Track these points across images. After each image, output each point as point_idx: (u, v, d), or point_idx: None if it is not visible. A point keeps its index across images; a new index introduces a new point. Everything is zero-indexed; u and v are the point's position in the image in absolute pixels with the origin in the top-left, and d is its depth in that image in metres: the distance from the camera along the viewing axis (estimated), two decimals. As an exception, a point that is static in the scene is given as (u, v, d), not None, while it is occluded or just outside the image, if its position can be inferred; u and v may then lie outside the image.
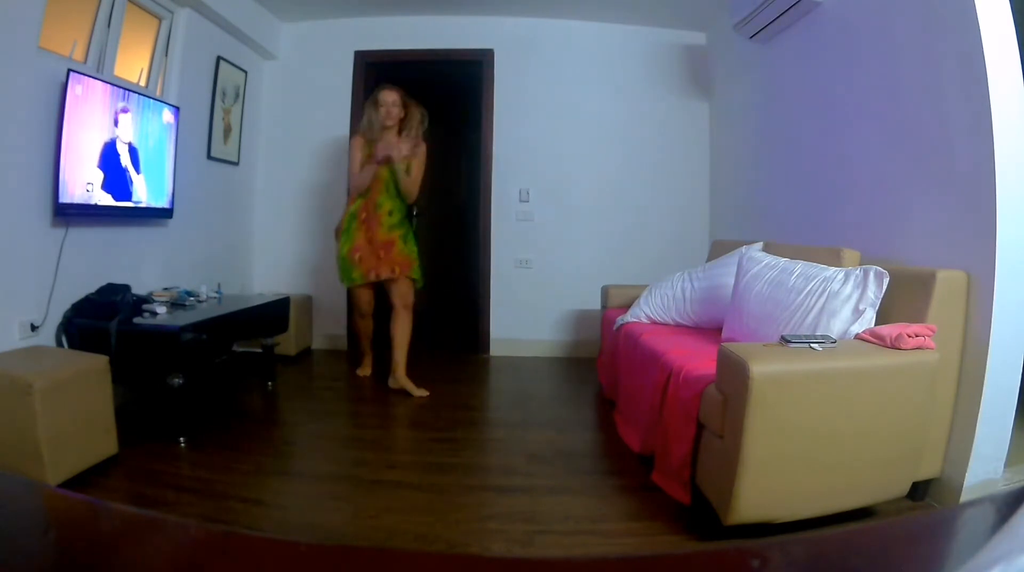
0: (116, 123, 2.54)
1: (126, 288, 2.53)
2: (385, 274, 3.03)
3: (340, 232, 3.09)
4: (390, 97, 3.00)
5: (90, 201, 2.42)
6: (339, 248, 3.07)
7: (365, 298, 3.16)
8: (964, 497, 1.80)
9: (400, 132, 3.05)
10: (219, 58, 3.45)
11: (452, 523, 1.76)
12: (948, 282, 1.78)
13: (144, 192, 2.76)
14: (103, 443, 1.99)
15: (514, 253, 4.06)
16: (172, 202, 2.96)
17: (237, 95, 3.70)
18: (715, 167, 4.00)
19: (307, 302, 3.95)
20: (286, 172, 4.09)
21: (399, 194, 3.05)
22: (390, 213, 3.07)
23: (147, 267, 2.91)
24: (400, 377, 3.06)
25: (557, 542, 1.66)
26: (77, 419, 1.87)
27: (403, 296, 3.09)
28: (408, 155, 3.01)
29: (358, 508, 1.86)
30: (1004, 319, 1.73)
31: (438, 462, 2.21)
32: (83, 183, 2.37)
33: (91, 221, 2.51)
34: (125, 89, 2.59)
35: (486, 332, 4.09)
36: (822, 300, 1.87)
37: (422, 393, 2.99)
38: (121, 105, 2.57)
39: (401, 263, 3.05)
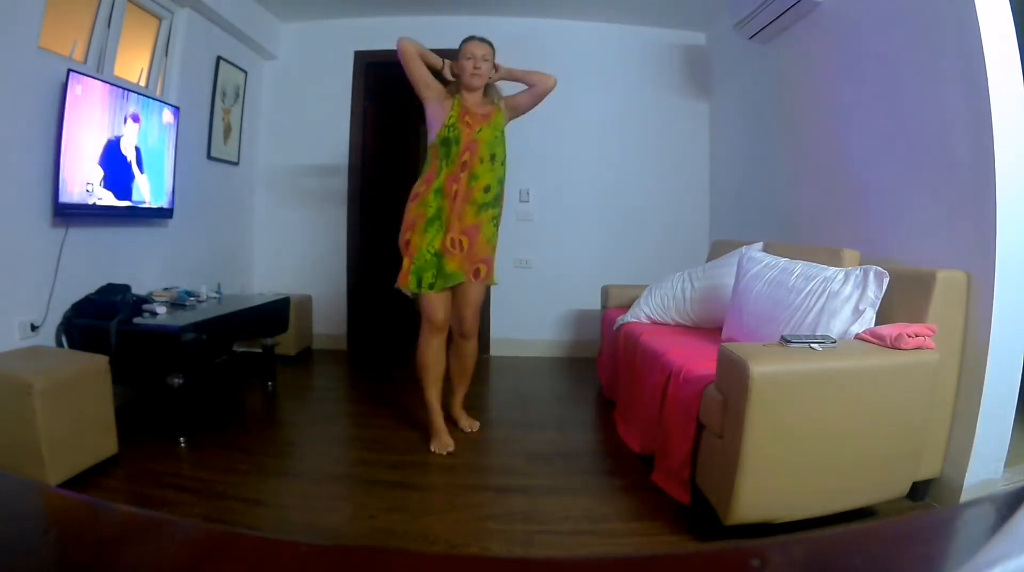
0: (124, 122, 2.55)
1: (126, 288, 2.53)
2: (467, 274, 2.35)
3: (417, 220, 2.33)
4: (480, 50, 2.36)
5: (90, 201, 2.42)
6: (419, 240, 2.30)
7: (442, 302, 2.37)
8: (964, 497, 1.80)
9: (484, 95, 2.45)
10: (219, 58, 3.45)
11: (452, 523, 1.76)
12: (948, 282, 1.78)
13: (147, 192, 2.76)
14: (103, 443, 2.00)
15: (514, 253, 4.05)
16: (172, 202, 2.96)
17: (237, 95, 3.70)
18: (715, 167, 4.00)
19: (307, 302, 3.95)
20: (286, 172, 4.09)
21: (502, 162, 2.42)
22: (487, 189, 2.36)
23: (147, 267, 2.91)
24: (455, 407, 2.59)
25: (557, 542, 1.66)
26: (77, 419, 1.87)
27: (461, 321, 2.44)
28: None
29: (358, 508, 1.86)
30: (1004, 319, 1.73)
31: (438, 462, 2.21)
32: (83, 183, 2.37)
33: (91, 221, 2.51)
34: (125, 89, 2.59)
35: (486, 332, 4.08)
36: (822, 300, 1.87)
37: (471, 426, 2.54)
38: (132, 111, 2.59)
39: (487, 259, 2.39)
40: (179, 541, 0.36)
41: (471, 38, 2.40)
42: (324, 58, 4.04)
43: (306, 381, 3.42)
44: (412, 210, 2.35)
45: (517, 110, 2.52)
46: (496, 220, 2.42)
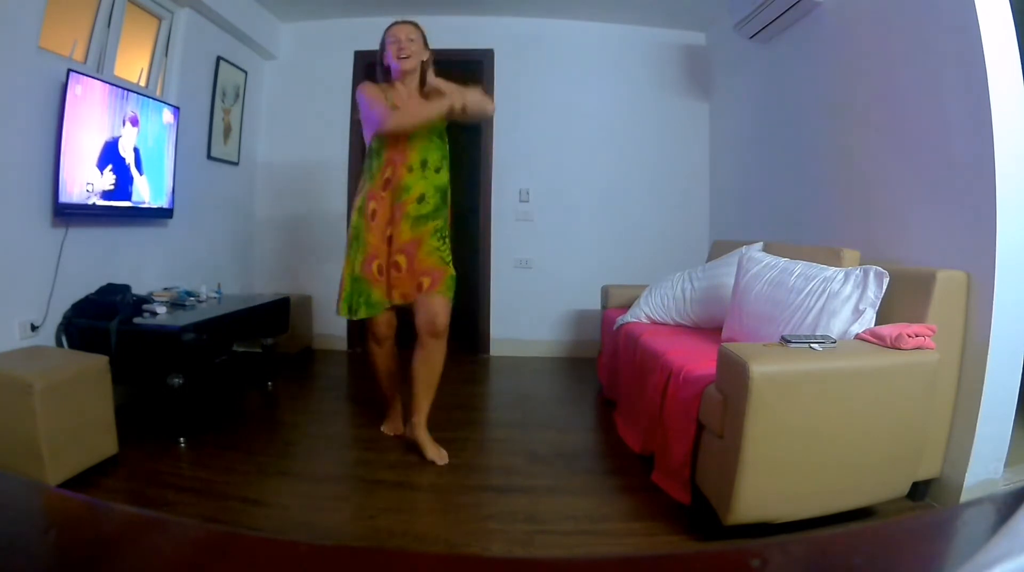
0: (123, 124, 2.56)
1: (126, 288, 2.53)
2: (409, 294, 2.20)
3: (349, 238, 2.26)
4: (403, 31, 2.15)
5: (90, 201, 2.42)
6: (345, 265, 2.24)
7: (383, 318, 2.27)
8: (964, 497, 1.80)
9: (422, 84, 2.21)
10: (219, 58, 3.45)
11: (452, 523, 1.76)
12: (948, 282, 1.78)
13: (146, 192, 2.76)
14: (103, 443, 1.99)
15: (514, 253, 4.06)
16: (172, 202, 2.96)
17: (237, 95, 3.70)
18: (715, 167, 4.00)
19: (307, 302, 3.95)
20: (286, 172, 4.09)
21: (438, 169, 2.19)
22: (421, 199, 2.16)
23: (147, 267, 2.91)
24: (418, 428, 2.23)
25: (557, 542, 1.66)
26: (77, 419, 1.87)
27: (432, 317, 2.16)
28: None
29: (358, 508, 1.87)
30: (1004, 319, 1.73)
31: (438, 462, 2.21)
32: (83, 183, 2.37)
33: (91, 221, 2.51)
34: (125, 89, 2.59)
35: (486, 332, 4.09)
36: (822, 300, 1.87)
37: (440, 457, 2.18)
38: (131, 114, 2.59)
39: (430, 271, 2.17)
40: (179, 541, 0.36)
41: (392, 24, 2.19)
42: (324, 58, 4.04)
43: (306, 381, 3.42)
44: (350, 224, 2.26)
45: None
46: (440, 233, 2.20)
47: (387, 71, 2.20)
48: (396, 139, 2.14)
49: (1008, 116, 1.73)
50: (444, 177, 2.22)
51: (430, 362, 2.21)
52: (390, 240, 2.18)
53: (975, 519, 0.41)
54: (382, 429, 2.47)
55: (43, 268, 2.28)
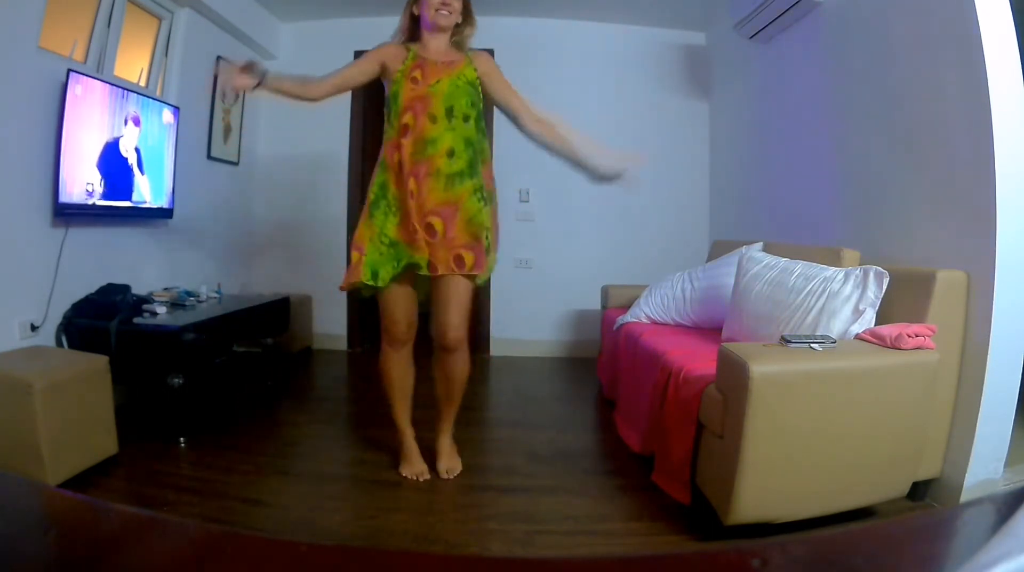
0: (125, 124, 2.56)
1: (126, 288, 2.53)
2: (442, 266, 1.88)
3: (367, 203, 1.95)
4: None
5: (90, 201, 2.42)
6: (367, 229, 1.91)
7: (403, 303, 1.97)
8: (964, 497, 1.80)
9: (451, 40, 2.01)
10: (219, 58, 3.45)
11: (452, 523, 1.76)
12: (948, 282, 1.78)
13: (147, 192, 2.76)
14: (103, 443, 2.00)
15: (514, 253, 4.05)
16: (172, 202, 2.96)
17: (237, 95, 3.70)
18: (715, 167, 4.00)
19: (307, 302, 3.95)
20: (286, 172, 4.09)
21: (467, 118, 1.91)
22: (451, 153, 1.88)
23: (147, 267, 2.91)
24: (440, 434, 2.10)
25: (557, 542, 1.66)
26: (77, 419, 1.87)
27: (444, 329, 1.94)
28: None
29: (358, 508, 1.87)
30: (1004, 319, 1.73)
31: (438, 462, 2.21)
32: (83, 183, 2.37)
33: (91, 221, 2.51)
34: (125, 89, 2.59)
35: (486, 332, 4.09)
36: (822, 300, 1.87)
37: (448, 471, 2.06)
38: (133, 114, 2.60)
39: (468, 245, 1.91)
40: (179, 541, 0.36)
41: None
42: (324, 58, 3.99)
43: (306, 381, 3.41)
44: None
45: (490, 97, 2.04)
46: (480, 192, 1.92)
47: (416, 20, 1.98)
48: (418, 84, 1.88)
49: (1008, 116, 1.73)
50: (473, 129, 1.93)
51: (450, 377, 2.02)
52: (411, 196, 1.87)
53: (975, 519, 0.41)
54: (403, 474, 2.04)
55: (43, 268, 2.28)
